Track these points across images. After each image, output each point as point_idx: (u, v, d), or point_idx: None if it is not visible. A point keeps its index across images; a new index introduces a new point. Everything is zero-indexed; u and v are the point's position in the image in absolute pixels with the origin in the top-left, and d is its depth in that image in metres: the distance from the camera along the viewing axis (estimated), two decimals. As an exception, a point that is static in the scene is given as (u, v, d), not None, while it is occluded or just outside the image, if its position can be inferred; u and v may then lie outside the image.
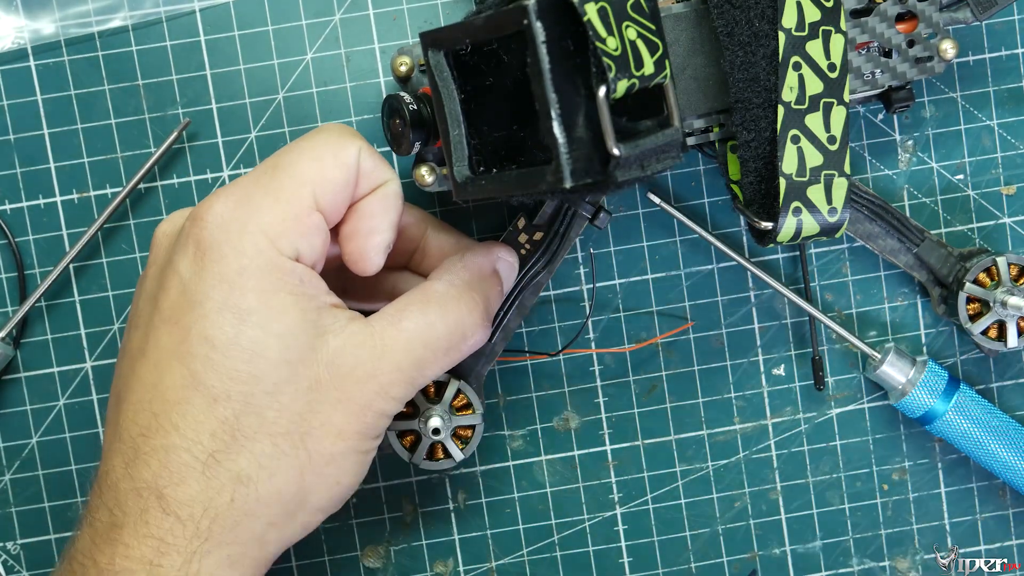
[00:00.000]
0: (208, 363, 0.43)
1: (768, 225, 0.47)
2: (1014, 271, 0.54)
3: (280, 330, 0.43)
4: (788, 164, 0.46)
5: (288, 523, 0.44)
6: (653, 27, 0.40)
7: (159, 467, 0.43)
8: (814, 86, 0.46)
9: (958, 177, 0.57)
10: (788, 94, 0.46)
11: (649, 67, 0.39)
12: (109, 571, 0.42)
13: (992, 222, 0.57)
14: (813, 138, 0.47)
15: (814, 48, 0.46)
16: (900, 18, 0.50)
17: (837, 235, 0.48)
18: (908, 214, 0.57)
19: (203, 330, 0.43)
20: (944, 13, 0.49)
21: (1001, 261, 0.53)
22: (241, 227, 0.43)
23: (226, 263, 0.43)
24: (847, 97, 0.47)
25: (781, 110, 0.46)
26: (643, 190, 0.56)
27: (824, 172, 0.47)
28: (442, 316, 0.46)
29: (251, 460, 0.43)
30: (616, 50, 0.38)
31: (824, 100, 0.47)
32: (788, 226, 0.47)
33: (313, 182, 0.44)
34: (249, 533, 0.43)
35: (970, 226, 0.57)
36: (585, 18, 0.37)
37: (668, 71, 0.40)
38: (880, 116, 0.56)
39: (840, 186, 0.47)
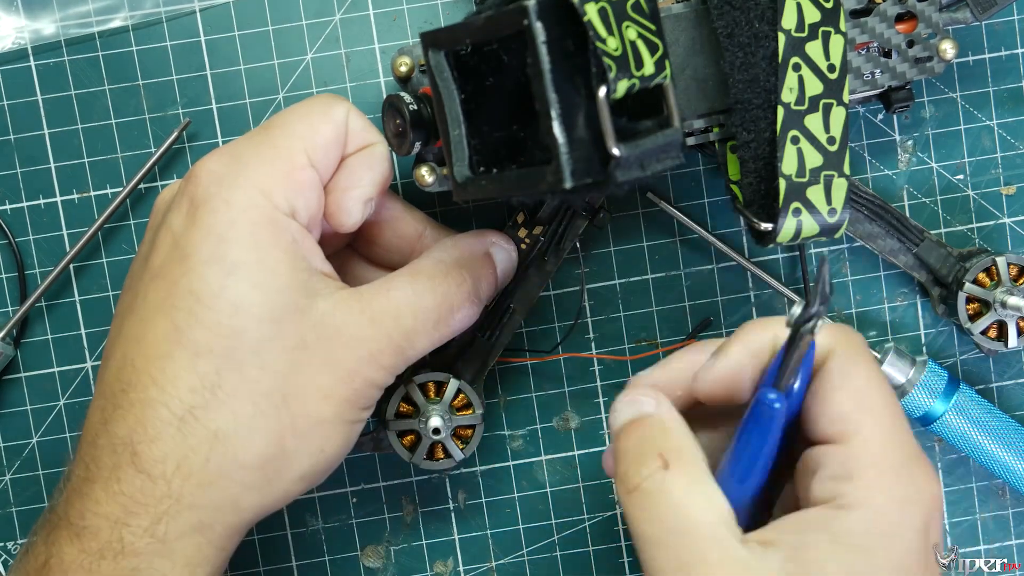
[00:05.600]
0: (192, 316, 0.42)
1: (768, 226, 0.47)
2: (1014, 271, 0.54)
3: (268, 286, 0.43)
4: (788, 165, 0.46)
5: (266, 489, 0.44)
6: (653, 27, 0.40)
7: (135, 423, 0.42)
8: (813, 87, 0.46)
9: (958, 177, 0.57)
10: (788, 95, 0.46)
11: (649, 67, 0.39)
12: (78, 527, 0.42)
13: (992, 222, 0.57)
14: (813, 139, 0.47)
15: (814, 49, 0.46)
16: (900, 18, 0.50)
17: (836, 235, 0.48)
18: (908, 214, 0.57)
19: (189, 283, 0.43)
20: (944, 13, 0.49)
21: (1001, 261, 0.53)
22: (234, 181, 0.43)
23: (217, 216, 0.43)
24: (847, 98, 0.47)
25: (781, 111, 0.46)
26: (643, 190, 0.56)
27: (824, 173, 0.47)
28: (430, 288, 0.46)
29: (230, 418, 0.42)
30: (616, 50, 0.38)
31: (824, 101, 0.47)
32: (788, 227, 0.47)
33: (304, 138, 0.44)
34: (223, 496, 0.43)
35: (970, 226, 0.57)
36: (585, 18, 0.37)
37: (668, 71, 0.40)
38: (880, 116, 0.56)
39: (840, 187, 0.47)
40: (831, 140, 0.47)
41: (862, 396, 0.41)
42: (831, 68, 0.46)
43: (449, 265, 0.47)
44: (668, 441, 0.42)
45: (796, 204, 0.47)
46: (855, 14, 0.49)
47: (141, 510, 0.42)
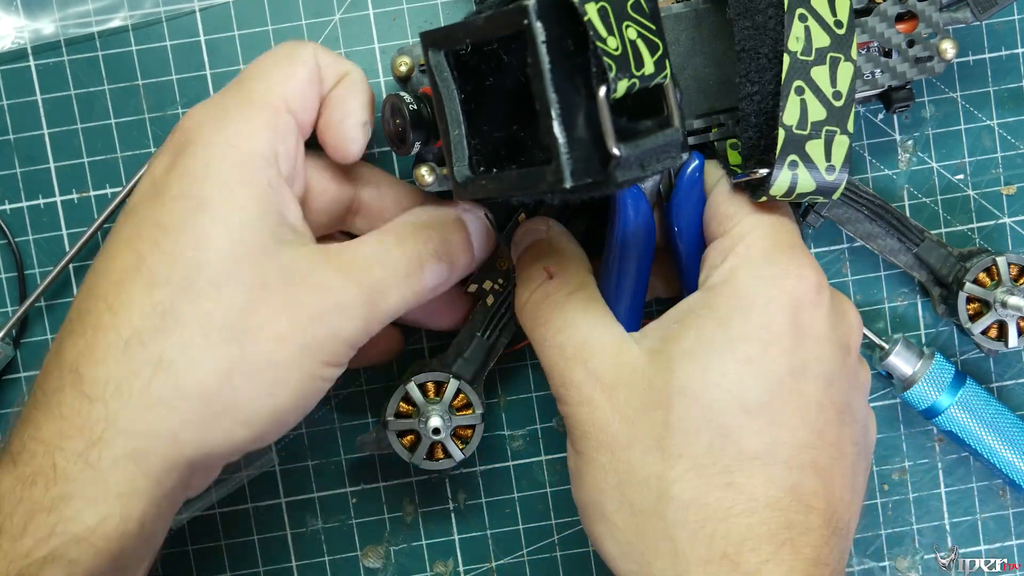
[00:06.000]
0: (154, 246, 0.43)
1: (763, 171, 0.45)
2: (1014, 271, 0.54)
3: (234, 223, 0.43)
4: (790, 116, 0.45)
5: (207, 425, 0.42)
6: (653, 27, 0.40)
7: (84, 346, 0.42)
8: (821, 39, 0.45)
9: (958, 177, 0.57)
10: (794, 44, 0.45)
11: (649, 67, 0.39)
12: (16, 453, 0.42)
13: (992, 222, 0.57)
14: (818, 91, 0.45)
15: (819, 2, 0.45)
16: (900, 18, 0.50)
17: (834, 197, 0.46)
18: (908, 214, 0.57)
19: (157, 216, 0.43)
20: (944, 13, 0.49)
21: (1001, 261, 0.53)
22: (215, 127, 0.44)
23: (195, 158, 0.44)
24: (855, 54, 0.45)
25: (787, 59, 0.45)
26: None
27: (826, 128, 0.45)
28: (398, 243, 0.47)
29: (177, 346, 0.42)
30: (616, 50, 0.38)
31: (831, 54, 0.45)
32: (783, 180, 0.45)
33: (280, 83, 0.46)
34: (161, 424, 0.42)
35: (970, 226, 0.57)
36: (585, 18, 0.37)
37: (668, 71, 0.40)
38: (880, 116, 0.56)
39: (841, 144, 0.45)
40: (837, 95, 0.45)
41: (749, 200, 0.46)
42: (838, 24, 0.45)
43: (416, 225, 0.48)
44: (553, 255, 0.48)
45: (793, 157, 0.45)
46: (855, 14, 0.49)
47: (76, 433, 0.41)
